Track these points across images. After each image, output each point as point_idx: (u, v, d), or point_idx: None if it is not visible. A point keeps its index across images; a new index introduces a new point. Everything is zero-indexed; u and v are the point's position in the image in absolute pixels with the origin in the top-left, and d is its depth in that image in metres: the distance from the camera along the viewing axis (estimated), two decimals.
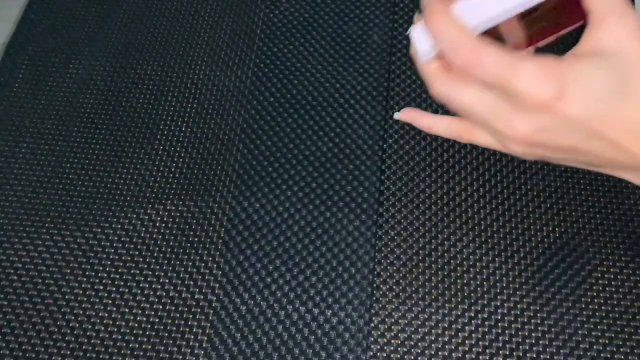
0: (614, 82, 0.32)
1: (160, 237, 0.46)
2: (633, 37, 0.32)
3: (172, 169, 0.49)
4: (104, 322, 0.43)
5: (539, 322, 0.42)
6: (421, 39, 0.36)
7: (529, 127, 0.33)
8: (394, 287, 0.44)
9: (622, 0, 0.32)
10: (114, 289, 0.44)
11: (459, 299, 0.43)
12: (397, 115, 0.39)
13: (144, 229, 0.46)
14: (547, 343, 0.42)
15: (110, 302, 0.43)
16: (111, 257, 0.45)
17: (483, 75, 0.34)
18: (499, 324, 0.42)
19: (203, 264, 0.45)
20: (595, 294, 0.43)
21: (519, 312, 0.43)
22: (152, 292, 0.44)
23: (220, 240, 0.46)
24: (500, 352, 0.41)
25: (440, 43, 0.35)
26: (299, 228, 0.46)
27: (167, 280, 0.44)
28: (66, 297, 0.44)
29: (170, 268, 0.45)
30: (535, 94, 0.32)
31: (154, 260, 0.45)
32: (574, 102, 0.32)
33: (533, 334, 0.42)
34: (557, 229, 0.46)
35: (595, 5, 0.33)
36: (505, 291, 0.43)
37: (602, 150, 0.33)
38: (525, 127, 0.33)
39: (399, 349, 0.42)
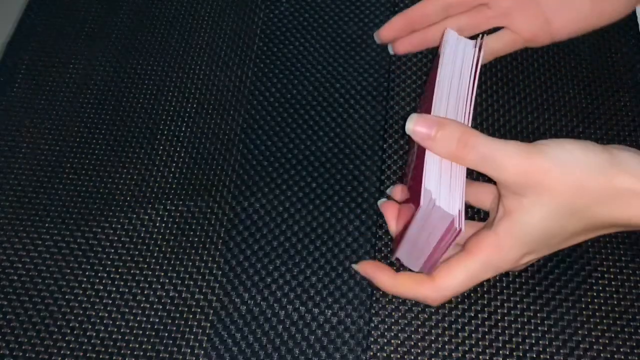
0: (552, 219, 0.36)
1: (160, 237, 0.46)
2: (542, 186, 0.35)
3: (172, 169, 0.49)
4: (104, 322, 0.43)
5: (539, 322, 0.42)
6: None
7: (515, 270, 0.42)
8: None
9: (520, 157, 0.35)
10: (114, 289, 0.44)
11: (459, 299, 0.43)
12: (355, 267, 0.43)
13: (144, 229, 0.46)
14: (547, 343, 0.42)
15: (110, 302, 0.43)
16: (111, 257, 0.45)
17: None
18: (499, 324, 0.42)
19: (203, 264, 0.45)
20: (595, 294, 0.43)
21: (519, 312, 0.43)
22: (152, 292, 0.44)
23: (220, 240, 0.46)
24: (500, 352, 0.41)
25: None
26: (299, 228, 0.46)
27: (167, 280, 0.44)
28: (66, 297, 0.43)
29: (170, 268, 0.45)
30: (505, 269, 0.39)
31: (154, 260, 0.45)
32: (534, 253, 0.38)
33: (533, 334, 0.42)
34: None
35: (500, 174, 0.36)
36: (505, 291, 0.43)
37: (577, 237, 0.38)
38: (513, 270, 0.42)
39: (399, 349, 0.42)
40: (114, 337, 0.42)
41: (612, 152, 0.34)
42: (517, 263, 0.38)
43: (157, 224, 0.46)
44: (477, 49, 0.39)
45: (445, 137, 0.35)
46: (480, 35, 0.39)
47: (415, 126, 0.36)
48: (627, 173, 0.33)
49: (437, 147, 0.36)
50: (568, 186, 0.34)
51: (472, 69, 0.38)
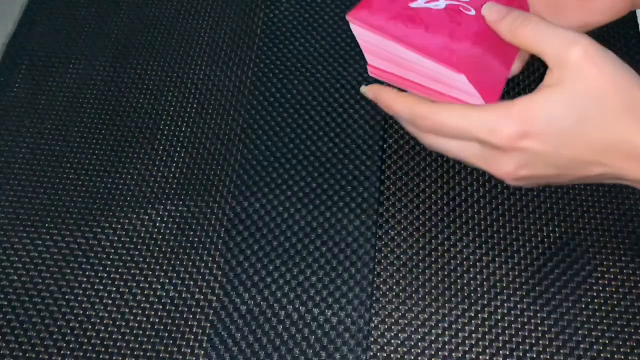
0: (573, 108, 0.35)
1: (160, 237, 0.46)
2: (581, 68, 0.35)
3: (172, 169, 0.49)
4: (104, 322, 0.43)
5: (539, 322, 0.42)
6: None
7: (512, 165, 0.37)
8: (394, 287, 0.44)
9: (567, 37, 0.35)
10: (114, 289, 0.44)
11: (459, 299, 0.43)
12: (363, 89, 0.44)
13: (144, 229, 0.46)
14: (547, 343, 0.42)
15: (110, 302, 0.43)
16: (111, 257, 0.45)
17: (452, 135, 0.38)
18: (499, 324, 0.42)
19: (203, 264, 0.45)
20: (595, 294, 0.43)
21: (519, 312, 0.43)
22: (152, 292, 0.44)
23: (220, 240, 0.46)
24: (500, 352, 0.41)
25: (402, 119, 0.40)
26: (299, 228, 0.46)
27: (167, 280, 0.44)
28: (66, 297, 0.44)
29: (170, 268, 0.45)
30: (501, 137, 0.36)
31: (154, 260, 0.45)
32: (539, 137, 0.35)
33: (533, 334, 0.42)
34: (557, 229, 0.46)
35: (545, 49, 0.36)
36: (505, 291, 0.43)
37: (584, 170, 0.37)
38: (509, 167, 0.37)
39: (399, 349, 0.42)
40: (114, 337, 0.42)
41: None
42: (514, 141, 0.36)
43: (157, 224, 0.46)
44: None
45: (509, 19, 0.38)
46: None
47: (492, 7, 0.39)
48: None
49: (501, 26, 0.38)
50: (608, 82, 0.34)
51: None
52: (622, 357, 0.41)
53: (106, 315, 0.43)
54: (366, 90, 0.43)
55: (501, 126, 0.36)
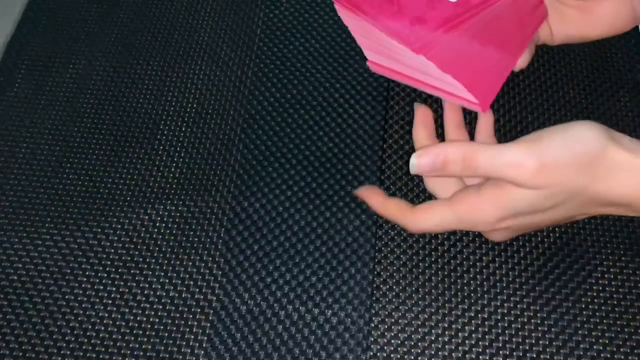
0: (542, 205, 0.37)
1: (160, 237, 0.46)
2: (535, 185, 0.36)
3: (172, 169, 0.49)
4: (104, 322, 0.43)
5: (539, 322, 0.42)
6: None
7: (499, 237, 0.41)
8: (394, 287, 0.44)
9: (513, 160, 0.36)
10: (114, 289, 0.44)
11: (459, 299, 0.43)
12: (355, 192, 0.45)
13: (144, 229, 0.46)
14: (547, 343, 0.42)
15: (110, 302, 0.43)
16: (111, 257, 0.45)
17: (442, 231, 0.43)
18: (499, 324, 0.42)
19: (203, 264, 0.45)
20: (595, 294, 0.43)
21: (519, 312, 0.43)
22: (152, 292, 0.44)
23: (220, 240, 0.46)
24: (500, 352, 0.41)
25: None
26: (299, 228, 0.46)
27: (167, 280, 0.44)
28: (66, 297, 0.44)
29: (170, 268, 0.45)
30: (486, 224, 0.39)
31: (154, 260, 0.45)
32: (512, 222, 0.38)
33: (533, 334, 0.42)
34: (557, 229, 0.46)
35: (501, 176, 0.37)
36: (505, 291, 0.43)
37: (564, 220, 0.39)
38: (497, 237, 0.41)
39: (399, 349, 0.42)
40: (114, 337, 0.42)
41: (608, 129, 0.36)
42: (493, 226, 0.38)
43: (157, 224, 0.46)
44: None
45: (450, 164, 0.37)
46: None
47: (420, 160, 0.38)
48: (621, 147, 0.35)
49: (446, 174, 0.38)
50: (568, 175, 0.35)
51: None
52: (622, 357, 0.41)
53: (106, 315, 0.43)
54: (358, 193, 0.44)
55: (478, 226, 0.39)
